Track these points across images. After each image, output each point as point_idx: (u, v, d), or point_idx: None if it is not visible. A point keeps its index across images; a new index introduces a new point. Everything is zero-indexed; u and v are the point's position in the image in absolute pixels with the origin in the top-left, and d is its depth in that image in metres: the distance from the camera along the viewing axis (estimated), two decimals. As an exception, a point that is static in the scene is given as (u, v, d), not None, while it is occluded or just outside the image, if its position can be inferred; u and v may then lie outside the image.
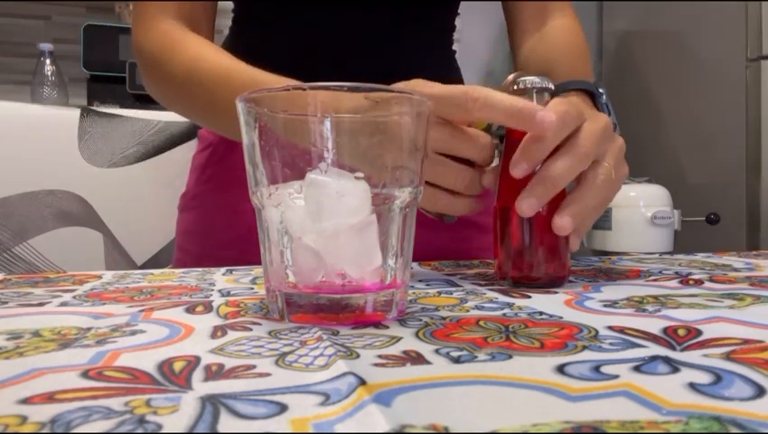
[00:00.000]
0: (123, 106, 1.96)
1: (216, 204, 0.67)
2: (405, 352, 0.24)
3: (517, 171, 0.39)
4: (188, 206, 0.71)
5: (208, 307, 0.34)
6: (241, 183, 0.65)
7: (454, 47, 0.76)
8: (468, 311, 0.32)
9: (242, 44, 0.69)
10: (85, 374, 0.21)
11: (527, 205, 0.38)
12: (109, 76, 2.04)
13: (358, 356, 0.23)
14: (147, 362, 0.22)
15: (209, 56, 0.55)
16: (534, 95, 0.42)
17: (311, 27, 0.65)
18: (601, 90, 0.54)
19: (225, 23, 0.74)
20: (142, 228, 0.89)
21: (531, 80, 0.42)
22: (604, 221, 1.78)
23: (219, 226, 0.67)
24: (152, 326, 0.29)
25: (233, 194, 0.65)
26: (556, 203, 0.40)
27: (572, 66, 0.63)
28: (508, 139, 0.43)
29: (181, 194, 0.74)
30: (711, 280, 0.42)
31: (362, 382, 0.19)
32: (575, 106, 0.40)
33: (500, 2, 0.74)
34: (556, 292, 0.38)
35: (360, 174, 0.29)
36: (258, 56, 0.66)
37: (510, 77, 0.42)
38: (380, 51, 0.65)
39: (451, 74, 0.73)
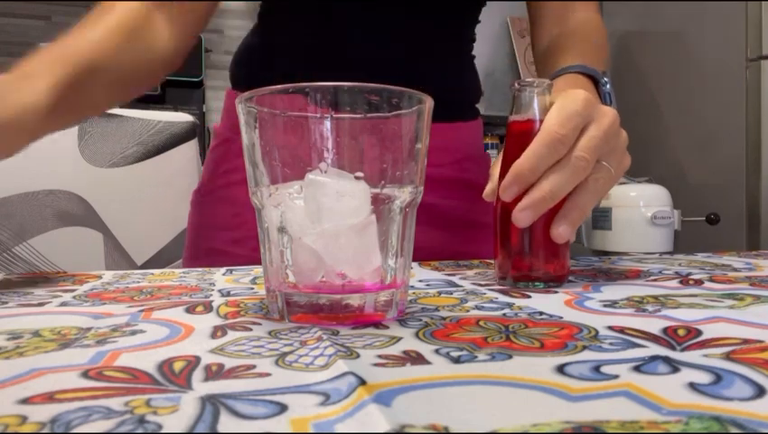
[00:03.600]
0: (123, 106, 1.96)
1: (228, 200, 0.67)
2: (405, 352, 0.24)
3: (506, 195, 0.39)
4: (201, 201, 0.71)
5: (208, 307, 0.34)
6: None
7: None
8: (468, 311, 0.32)
9: (254, 42, 0.69)
10: (85, 374, 0.21)
11: (523, 217, 0.39)
12: (109, 76, 2.03)
13: (358, 356, 0.23)
14: (147, 362, 0.22)
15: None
16: (529, 94, 0.42)
17: (335, 29, 0.65)
18: (605, 79, 0.54)
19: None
20: (142, 228, 0.89)
21: (529, 81, 0.42)
22: (603, 221, 1.78)
23: (230, 223, 0.67)
24: (152, 326, 0.29)
25: (246, 192, 0.65)
26: (555, 205, 0.40)
27: (583, 51, 0.62)
28: (508, 139, 0.43)
29: (194, 189, 0.74)
30: (711, 280, 0.42)
31: (362, 382, 0.19)
32: (575, 116, 0.40)
33: (509, 2, 0.74)
34: (556, 292, 0.38)
35: (360, 174, 0.29)
36: (281, 55, 0.66)
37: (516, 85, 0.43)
38: (405, 54, 0.65)
39: (467, 76, 0.74)
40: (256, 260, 0.60)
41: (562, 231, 0.39)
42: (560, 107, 0.40)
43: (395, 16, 0.64)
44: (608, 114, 0.42)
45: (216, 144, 0.72)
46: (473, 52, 0.75)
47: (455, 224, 0.69)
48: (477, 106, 0.76)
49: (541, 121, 0.41)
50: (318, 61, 0.64)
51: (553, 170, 0.39)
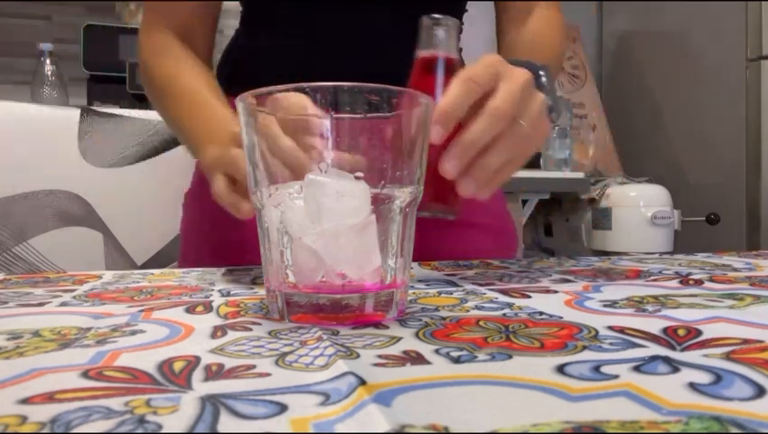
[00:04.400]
0: (123, 106, 1.96)
1: (213, 205, 0.67)
2: (405, 352, 0.24)
3: (434, 137, 0.38)
4: (189, 205, 0.72)
5: (208, 307, 0.34)
6: None
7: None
8: (468, 311, 0.32)
9: (249, 45, 0.69)
10: (85, 374, 0.21)
11: (450, 167, 0.39)
12: (109, 76, 2.04)
13: (358, 356, 0.23)
14: (147, 362, 0.22)
15: (184, 75, 0.62)
16: (435, 30, 0.42)
17: (319, 29, 0.65)
18: (541, 72, 0.55)
19: (226, 22, 0.74)
20: (142, 228, 0.89)
21: (437, 17, 0.43)
22: (604, 222, 1.78)
23: (217, 227, 0.67)
24: (152, 326, 0.29)
25: None
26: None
27: (531, 52, 0.63)
28: (415, 73, 0.44)
29: (185, 193, 0.74)
30: (711, 280, 0.42)
31: (362, 382, 0.19)
32: (488, 66, 0.41)
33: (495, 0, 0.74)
34: (556, 292, 0.38)
35: (360, 174, 0.29)
36: (266, 56, 0.66)
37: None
38: (390, 52, 0.65)
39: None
40: (241, 265, 0.60)
41: (449, 168, 0.39)
42: (476, 61, 0.42)
43: (377, 14, 0.64)
44: (520, 73, 0.43)
45: None
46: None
47: (445, 223, 0.69)
48: None
49: (446, 58, 0.42)
50: (300, 66, 0.64)
51: (472, 121, 0.40)
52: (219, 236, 0.67)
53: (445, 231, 0.69)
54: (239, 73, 0.69)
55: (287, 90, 0.29)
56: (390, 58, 0.64)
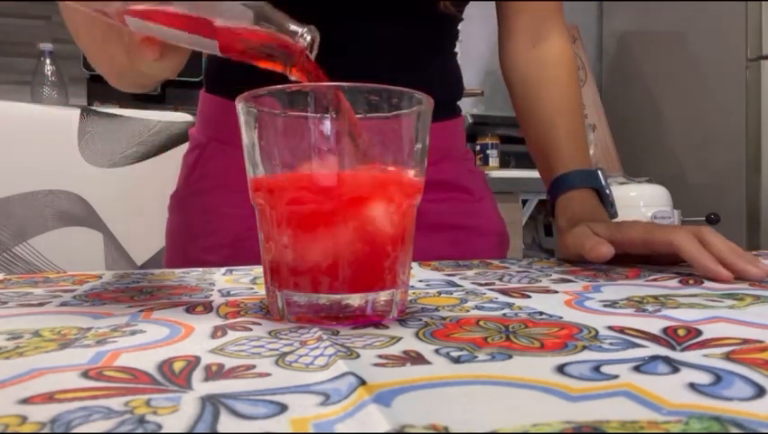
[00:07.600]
0: (123, 106, 1.96)
1: (200, 208, 0.67)
2: (405, 352, 0.24)
3: None
4: (175, 207, 0.71)
5: (208, 307, 0.34)
6: (225, 188, 0.64)
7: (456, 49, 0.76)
8: (468, 311, 0.32)
9: None
10: (85, 374, 0.21)
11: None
12: (109, 76, 2.03)
13: (358, 356, 0.23)
14: (147, 362, 0.22)
15: None
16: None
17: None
18: (608, 191, 0.61)
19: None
20: (142, 228, 0.89)
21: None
22: (604, 221, 1.78)
23: (202, 230, 0.66)
24: (152, 326, 0.29)
25: (216, 199, 0.65)
26: None
27: (576, 140, 0.65)
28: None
29: (170, 194, 0.73)
30: (711, 280, 0.42)
31: (362, 382, 0.19)
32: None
33: (496, 0, 0.73)
34: (556, 292, 0.38)
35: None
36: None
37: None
38: (379, 53, 0.65)
39: (451, 75, 0.73)
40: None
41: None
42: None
43: (371, 22, 0.64)
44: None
45: (189, 148, 0.71)
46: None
47: (437, 227, 0.68)
48: (458, 103, 0.75)
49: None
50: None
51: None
52: (203, 241, 0.66)
53: (430, 234, 0.68)
54: (229, 72, 0.68)
55: (286, 90, 0.29)
56: (380, 59, 0.64)
